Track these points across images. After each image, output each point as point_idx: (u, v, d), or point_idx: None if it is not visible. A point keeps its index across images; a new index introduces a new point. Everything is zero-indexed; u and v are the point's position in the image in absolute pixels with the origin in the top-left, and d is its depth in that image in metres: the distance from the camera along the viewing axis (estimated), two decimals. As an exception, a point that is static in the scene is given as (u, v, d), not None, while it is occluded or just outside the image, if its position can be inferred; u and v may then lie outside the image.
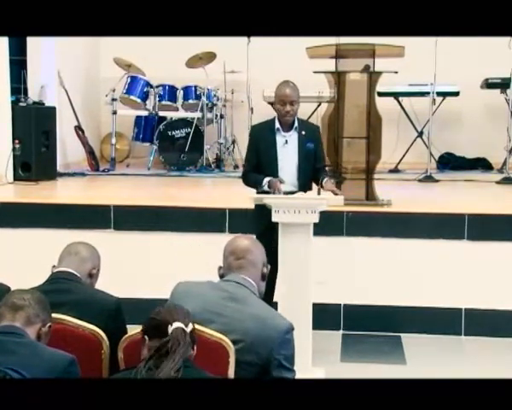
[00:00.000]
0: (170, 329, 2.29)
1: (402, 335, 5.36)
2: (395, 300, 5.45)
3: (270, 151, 4.73)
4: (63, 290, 2.91)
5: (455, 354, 5.09)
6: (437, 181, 7.63)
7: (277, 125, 4.77)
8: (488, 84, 8.56)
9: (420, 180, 7.65)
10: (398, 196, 6.12)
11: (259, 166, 4.74)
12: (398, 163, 8.61)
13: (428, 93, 7.83)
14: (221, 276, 2.91)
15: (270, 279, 4.72)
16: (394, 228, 5.52)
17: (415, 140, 8.71)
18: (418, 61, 7.42)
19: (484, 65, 8.28)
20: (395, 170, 8.49)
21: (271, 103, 8.92)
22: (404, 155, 8.66)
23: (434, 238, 5.45)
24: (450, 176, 8.03)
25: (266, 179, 4.59)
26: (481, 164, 8.85)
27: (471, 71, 8.33)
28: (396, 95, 8.72)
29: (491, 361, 4.91)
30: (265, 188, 4.58)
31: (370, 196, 5.90)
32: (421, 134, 8.65)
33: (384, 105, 7.58)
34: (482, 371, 4.63)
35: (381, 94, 7.61)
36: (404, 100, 8.79)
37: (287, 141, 4.78)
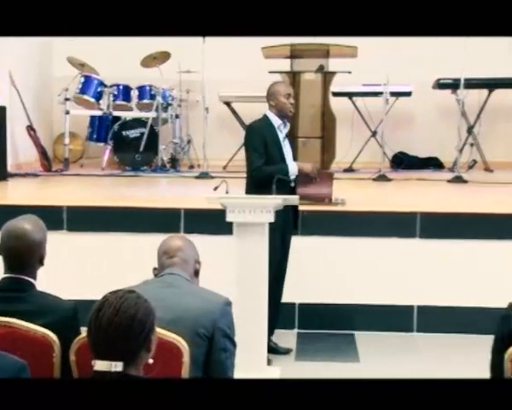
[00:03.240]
0: None
1: (356, 333, 5.41)
2: (349, 298, 5.50)
3: (275, 147, 4.87)
4: (14, 299, 2.83)
5: (408, 351, 5.16)
6: (390, 180, 7.72)
7: (279, 121, 4.90)
8: (440, 85, 8.69)
9: (374, 179, 7.73)
10: (352, 196, 6.17)
11: (267, 163, 4.82)
12: (353, 162, 8.69)
13: (382, 93, 7.91)
14: (155, 276, 2.96)
15: (280, 276, 4.79)
16: (348, 227, 5.57)
17: (368, 140, 8.80)
18: (371, 61, 7.51)
19: (436, 65, 8.40)
20: (349, 169, 8.56)
21: (227, 103, 8.96)
22: (358, 155, 8.74)
23: (387, 237, 5.52)
24: (403, 175, 8.12)
25: (294, 166, 4.82)
26: (433, 163, 8.99)
27: (423, 71, 8.45)
28: (350, 95, 8.80)
29: (442, 358, 4.99)
30: (292, 176, 4.78)
31: (325, 195, 5.94)
32: (374, 134, 8.74)
33: (338, 105, 7.68)
34: (434, 367, 4.72)
35: (335, 94, 7.68)
36: (358, 100, 8.87)
37: (285, 137, 4.96)
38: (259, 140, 4.85)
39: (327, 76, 5.83)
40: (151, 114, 8.40)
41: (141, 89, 8.66)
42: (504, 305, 2.89)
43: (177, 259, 2.92)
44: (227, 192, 4.50)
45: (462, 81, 7.73)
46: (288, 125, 4.98)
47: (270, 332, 4.79)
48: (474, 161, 8.73)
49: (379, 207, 5.79)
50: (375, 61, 7.67)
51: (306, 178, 4.95)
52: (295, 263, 5.49)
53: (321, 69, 5.83)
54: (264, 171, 4.77)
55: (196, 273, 3.00)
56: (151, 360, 2.17)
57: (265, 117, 4.96)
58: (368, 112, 8.82)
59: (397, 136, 8.79)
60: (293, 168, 4.88)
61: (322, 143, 5.88)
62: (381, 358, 4.98)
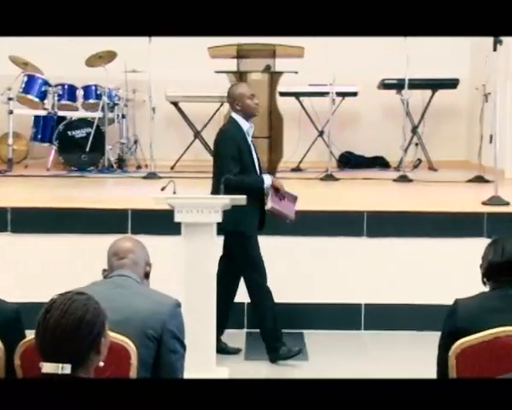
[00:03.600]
0: None
1: (304, 331, 5.44)
2: (297, 297, 5.52)
3: (247, 153, 4.82)
4: None
5: (355, 349, 5.21)
6: (337, 179, 7.78)
7: (246, 124, 4.85)
8: (385, 85, 8.80)
9: (321, 179, 7.78)
10: (300, 195, 6.19)
11: (240, 170, 4.74)
12: (300, 162, 8.74)
13: (328, 93, 7.97)
14: (105, 277, 2.94)
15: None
16: (296, 226, 5.58)
17: (316, 139, 8.86)
18: (318, 61, 7.56)
19: (381, 66, 8.50)
20: (297, 169, 8.60)
21: (174, 103, 8.91)
22: (305, 155, 8.79)
23: (335, 236, 5.56)
24: (349, 174, 8.20)
25: (268, 178, 4.79)
26: (379, 162, 9.09)
27: (369, 72, 8.54)
28: (297, 95, 8.85)
29: (389, 355, 5.06)
30: (267, 187, 4.74)
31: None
32: (321, 133, 8.81)
33: (285, 105, 7.72)
34: (381, 364, 4.80)
35: (282, 94, 7.70)
36: (305, 100, 8.92)
37: (252, 141, 4.92)
38: (234, 147, 4.76)
39: (273, 76, 5.85)
40: (97, 114, 8.30)
41: (86, 88, 8.55)
42: (450, 302, 2.95)
43: (128, 260, 2.90)
44: (174, 192, 4.47)
45: (407, 82, 7.84)
46: (253, 127, 4.93)
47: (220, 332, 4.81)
48: (419, 161, 8.88)
49: (326, 207, 5.83)
50: (321, 62, 7.72)
51: (276, 194, 4.85)
52: (244, 263, 5.50)
53: (267, 69, 5.84)
54: (241, 182, 4.68)
55: (146, 275, 2.98)
56: (102, 363, 2.15)
57: (233, 121, 4.86)
58: (315, 112, 8.88)
59: (343, 136, 8.87)
60: (267, 181, 4.83)
61: (269, 142, 5.90)
62: (329, 356, 5.02)
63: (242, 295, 5.48)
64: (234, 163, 4.74)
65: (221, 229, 4.54)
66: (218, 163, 4.85)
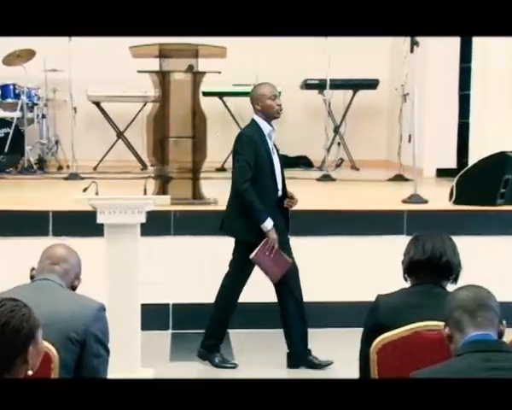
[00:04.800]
0: None
1: (230, 331, 5.44)
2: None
3: (266, 159, 4.61)
4: None
5: (280, 346, 5.24)
6: (261, 179, 7.81)
7: (268, 127, 4.65)
8: (307, 85, 8.90)
9: (245, 179, 7.80)
10: (224, 195, 6.20)
11: (255, 178, 4.55)
12: (225, 162, 8.74)
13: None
14: (32, 277, 2.91)
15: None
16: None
17: (239, 139, 8.87)
18: (241, 61, 7.60)
19: (303, 66, 8.60)
20: (221, 169, 8.61)
21: (96, 103, 8.78)
22: (229, 155, 8.78)
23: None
24: (273, 174, 8.25)
25: (270, 223, 4.52)
26: (302, 162, 9.19)
27: (291, 72, 8.62)
28: (220, 95, 8.86)
29: (314, 350, 5.11)
30: (267, 227, 4.50)
31: (197, 194, 5.96)
32: (245, 133, 8.83)
33: (209, 105, 7.71)
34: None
35: (205, 94, 7.69)
36: (229, 100, 8.94)
37: (273, 146, 4.72)
38: (250, 151, 4.55)
39: (197, 76, 5.83)
40: (16, 114, 8.12)
41: (4, 88, 8.36)
42: (372, 298, 3.01)
43: (59, 268, 2.87)
44: (97, 193, 4.42)
45: (328, 82, 7.96)
46: (276, 131, 4.73)
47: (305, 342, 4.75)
48: (342, 160, 9.02)
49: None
50: (244, 62, 7.77)
51: (266, 247, 4.55)
52: (169, 264, 5.48)
53: (190, 69, 5.82)
54: (250, 202, 4.53)
55: (73, 289, 2.95)
56: (30, 372, 2.10)
57: (254, 123, 4.66)
58: (238, 112, 8.90)
59: (267, 135, 8.91)
60: (268, 224, 4.53)
61: (193, 142, 5.87)
62: (254, 355, 5.04)
63: (167, 296, 5.46)
64: (247, 168, 4.53)
65: (231, 236, 4.63)
66: (235, 167, 4.68)
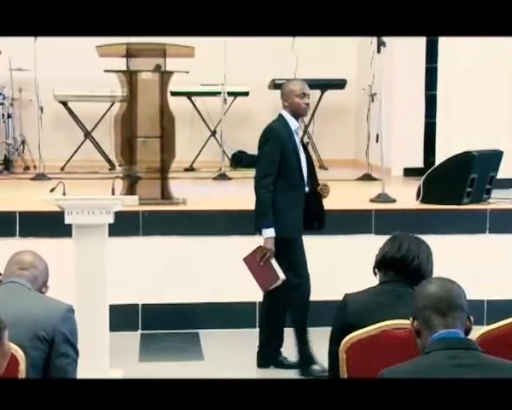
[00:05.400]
0: None
1: (200, 331, 5.44)
2: (193, 297, 5.52)
3: (293, 154, 4.56)
4: None
5: (250, 346, 5.25)
6: (230, 179, 7.83)
7: (295, 123, 4.62)
8: (275, 85, 8.90)
9: (214, 178, 7.81)
10: (193, 195, 6.21)
11: (281, 173, 4.51)
12: (193, 162, 8.74)
13: (219, 93, 8.01)
14: None
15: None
16: (190, 226, 5.59)
17: (208, 139, 8.88)
18: (209, 61, 7.59)
19: (271, 66, 8.61)
20: (190, 169, 8.60)
21: (63, 102, 8.70)
22: (198, 154, 8.80)
23: (229, 235, 5.58)
24: (242, 173, 8.25)
25: (271, 233, 4.47)
26: (271, 161, 9.19)
27: (259, 72, 8.64)
28: (189, 94, 8.85)
29: (285, 351, 5.13)
30: (266, 235, 4.46)
31: (166, 194, 5.94)
32: (214, 133, 8.84)
33: (177, 105, 7.69)
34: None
35: (173, 93, 7.67)
36: (198, 99, 8.93)
37: (300, 141, 4.70)
38: (275, 145, 4.51)
39: (164, 75, 5.80)
40: (-19, 114, 8.02)
41: (-32, 87, 8.25)
42: (339, 297, 3.02)
43: (28, 273, 2.87)
44: (64, 194, 4.38)
45: (296, 82, 7.97)
46: (302, 127, 4.74)
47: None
48: (310, 159, 9.05)
49: (219, 206, 5.85)
50: (212, 62, 7.76)
51: (258, 255, 4.54)
52: (138, 264, 5.45)
53: (158, 69, 5.80)
54: (263, 194, 4.50)
55: None
56: None
57: (281, 117, 4.62)
58: (207, 111, 8.90)
59: (236, 135, 8.93)
60: (269, 232, 4.48)
61: (161, 142, 5.85)
62: (224, 354, 5.04)
63: (136, 297, 5.44)
64: (271, 163, 4.50)
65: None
66: (258, 160, 4.65)
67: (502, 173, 6.36)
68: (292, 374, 4.63)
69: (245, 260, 4.63)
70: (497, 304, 5.55)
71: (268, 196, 4.51)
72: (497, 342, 2.68)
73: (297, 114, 4.65)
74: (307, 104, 4.64)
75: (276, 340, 4.80)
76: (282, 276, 4.54)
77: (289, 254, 4.60)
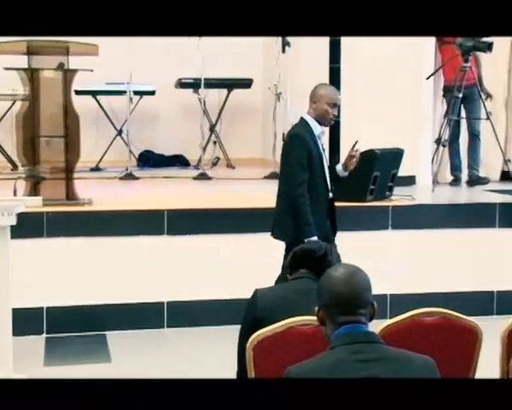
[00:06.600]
0: None
1: (107, 333, 5.37)
2: (99, 298, 5.44)
3: (318, 161, 4.42)
4: None
5: (158, 346, 5.24)
6: (137, 178, 7.76)
7: (318, 128, 4.43)
8: (182, 84, 8.89)
9: (120, 178, 7.72)
10: (99, 195, 6.11)
11: (308, 179, 4.35)
12: (99, 161, 8.61)
13: (125, 92, 7.93)
14: None
15: None
16: (96, 227, 5.50)
17: (114, 138, 8.78)
18: (114, 60, 7.50)
19: (178, 65, 8.58)
20: (96, 168, 8.48)
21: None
22: (104, 154, 8.68)
23: (136, 235, 5.53)
24: (150, 173, 8.20)
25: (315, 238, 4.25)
26: (179, 161, 9.17)
27: (166, 70, 8.59)
28: (93, 93, 8.71)
29: (194, 351, 5.13)
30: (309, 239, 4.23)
31: (71, 195, 5.82)
32: (120, 132, 8.73)
33: (82, 103, 7.55)
34: (183, 358, 4.90)
35: (78, 92, 7.53)
36: (103, 98, 8.81)
37: (322, 146, 4.54)
38: (303, 150, 4.36)
39: (68, 74, 5.68)
40: None
41: None
42: (248, 295, 3.05)
43: None
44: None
45: (203, 81, 7.98)
46: (325, 132, 4.55)
47: None
48: (218, 159, 9.08)
49: (126, 206, 5.79)
50: (118, 60, 7.66)
51: None
52: (42, 266, 5.33)
53: (61, 67, 5.68)
54: (302, 202, 4.33)
55: None
56: None
57: (304, 122, 4.45)
58: (112, 110, 8.79)
59: (143, 134, 8.86)
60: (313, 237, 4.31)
61: (65, 142, 5.73)
62: (132, 356, 5.00)
63: (41, 300, 5.32)
64: (301, 169, 4.36)
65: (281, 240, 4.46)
66: (286, 168, 4.48)
67: (402, 171, 6.55)
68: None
69: None
70: (400, 298, 5.71)
71: (307, 203, 4.38)
72: (399, 336, 2.76)
73: (321, 121, 4.48)
74: (334, 116, 4.48)
75: None
76: None
77: None
